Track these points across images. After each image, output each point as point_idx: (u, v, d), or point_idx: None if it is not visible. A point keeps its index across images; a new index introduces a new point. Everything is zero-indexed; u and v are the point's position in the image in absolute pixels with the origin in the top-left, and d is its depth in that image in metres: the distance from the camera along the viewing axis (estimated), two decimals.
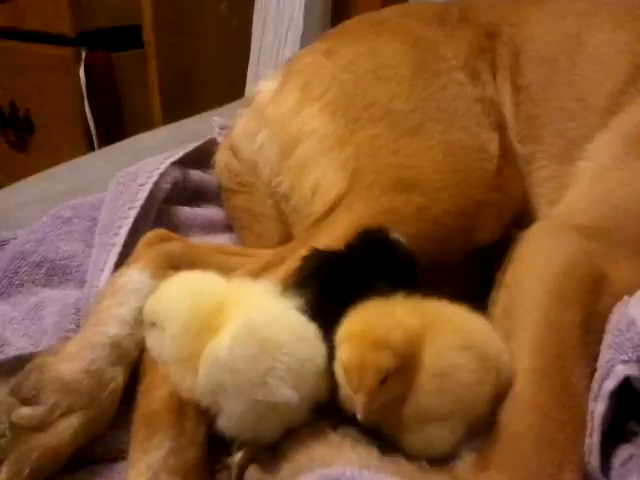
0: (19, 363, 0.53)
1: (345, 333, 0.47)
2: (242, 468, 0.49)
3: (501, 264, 0.64)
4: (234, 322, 0.48)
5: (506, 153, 0.73)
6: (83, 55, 1.42)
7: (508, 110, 0.78)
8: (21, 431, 0.47)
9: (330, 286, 0.54)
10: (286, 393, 0.45)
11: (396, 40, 0.79)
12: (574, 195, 0.70)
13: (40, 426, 0.48)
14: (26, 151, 1.57)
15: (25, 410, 0.48)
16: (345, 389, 0.47)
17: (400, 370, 0.46)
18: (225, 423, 0.48)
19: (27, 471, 0.46)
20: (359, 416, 0.45)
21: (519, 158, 0.77)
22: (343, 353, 0.46)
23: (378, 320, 0.47)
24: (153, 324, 0.52)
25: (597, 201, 0.66)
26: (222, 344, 0.47)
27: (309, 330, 0.49)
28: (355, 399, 0.45)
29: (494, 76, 0.79)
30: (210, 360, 0.47)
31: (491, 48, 0.80)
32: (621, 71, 0.71)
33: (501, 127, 0.75)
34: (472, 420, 0.48)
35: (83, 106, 1.42)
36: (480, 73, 0.78)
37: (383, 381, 0.45)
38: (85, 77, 1.40)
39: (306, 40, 1.39)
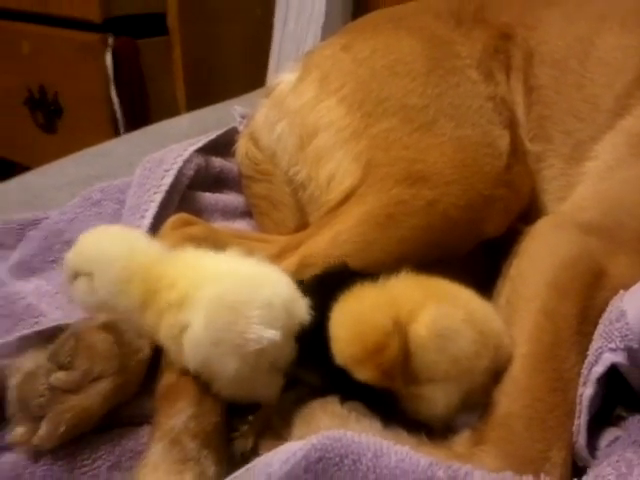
0: (56, 332, 0.58)
1: (336, 336, 0.51)
2: (257, 434, 0.54)
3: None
4: (200, 302, 0.52)
5: (516, 151, 0.76)
6: (110, 41, 1.46)
7: (520, 110, 0.80)
8: (58, 393, 0.51)
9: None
10: (268, 335, 0.49)
11: (413, 37, 0.81)
12: (579, 193, 0.72)
13: (74, 389, 0.52)
14: (54, 132, 1.61)
15: (61, 374, 0.52)
16: None
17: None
18: (223, 383, 0.52)
19: (63, 428, 0.51)
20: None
21: (530, 156, 0.79)
22: (349, 351, 0.51)
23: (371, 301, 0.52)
24: (77, 275, 0.56)
25: (600, 200, 0.68)
26: (197, 325, 0.51)
27: (265, 272, 0.54)
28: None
29: (508, 76, 0.81)
30: (192, 343, 0.51)
31: (505, 49, 0.82)
32: (629, 74, 0.73)
33: (513, 125, 0.77)
34: (467, 389, 0.52)
35: (109, 90, 1.45)
36: (494, 73, 0.80)
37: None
38: (112, 63, 1.44)
39: (327, 30, 1.41)
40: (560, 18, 0.82)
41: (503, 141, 0.74)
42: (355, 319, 0.51)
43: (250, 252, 0.68)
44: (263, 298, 0.51)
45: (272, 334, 0.49)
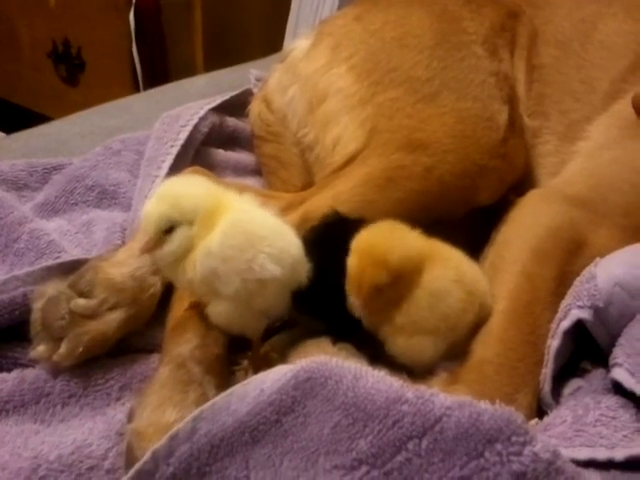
0: (75, 266, 0.63)
1: (356, 245, 0.56)
2: (256, 368, 0.60)
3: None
4: (224, 222, 0.56)
5: (514, 125, 0.80)
6: None
7: (521, 87, 0.84)
8: (77, 317, 0.57)
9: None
10: (271, 268, 0.54)
11: (423, 10, 0.84)
12: (569, 170, 0.76)
13: (92, 315, 0.58)
14: (76, 86, 1.67)
15: (81, 301, 0.58)
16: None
17: (393, 284, 0.56)
18: (216, 310, 0.57)
19: (81, 349, 0.56)
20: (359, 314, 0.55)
21: (527, 131, 0.83)
22: (351, 263, 0.56)
23: (383, 240, 0.56)
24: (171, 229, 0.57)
25: (588, 175, 0.72)
26: (214, 238, 0.55)
27: (285, 228, 0.58)
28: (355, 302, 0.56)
29: (512, 54, 0.85)
30: (204, 252, 0.56)
31: (512, 27, 0.85)
32: (625, 59, 0.76)
33: (512, 101, 0.81)
34: (452, 341, 0.57)
35: (131, 48, 1.50)
36: (499, 50, 0.84)
37: (379, 291, 0.55)
38: (134, 21, 1.48)
39: None
40: (567, 0, 0.85)
41: (502, 115, 0.78)
42: (376, 242, 0.56)
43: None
44: (280, 244, 0.56)
45: (275, 269, 0.54)
